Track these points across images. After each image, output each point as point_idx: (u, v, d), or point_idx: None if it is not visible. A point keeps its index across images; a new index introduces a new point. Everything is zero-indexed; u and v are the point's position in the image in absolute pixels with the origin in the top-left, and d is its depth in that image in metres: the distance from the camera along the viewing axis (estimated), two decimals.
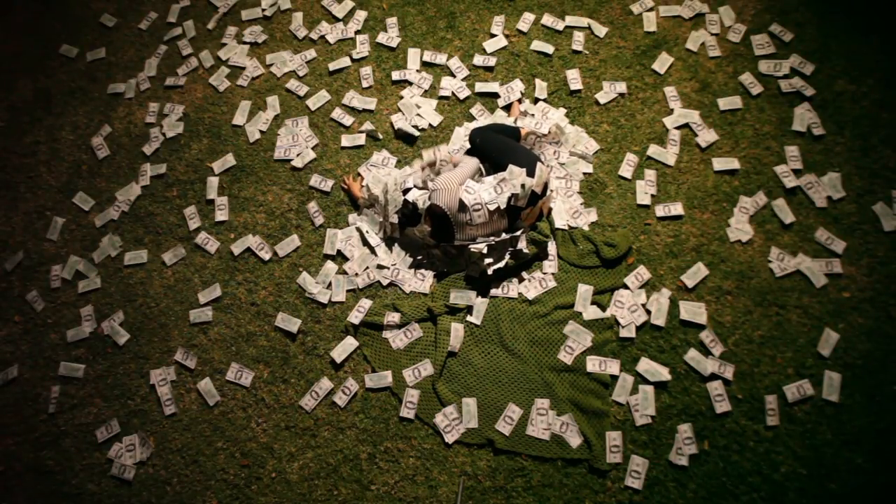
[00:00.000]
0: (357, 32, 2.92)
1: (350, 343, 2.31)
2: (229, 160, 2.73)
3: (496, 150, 2.29)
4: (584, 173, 2.49)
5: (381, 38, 2.87)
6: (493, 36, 2.81)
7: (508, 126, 2.42)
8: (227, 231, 2.61)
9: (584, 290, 2.28)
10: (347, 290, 2.42)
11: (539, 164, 2.19)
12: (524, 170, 2.16)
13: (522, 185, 2.15)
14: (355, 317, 2.33)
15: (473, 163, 2.30)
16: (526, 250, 2.27)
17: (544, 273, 2.34)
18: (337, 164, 2.65)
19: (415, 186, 2.34)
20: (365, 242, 2.47)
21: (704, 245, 2.32)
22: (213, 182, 2.69)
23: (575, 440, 2.09)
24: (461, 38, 2.83)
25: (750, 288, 2.24)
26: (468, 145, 2.44)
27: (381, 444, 2.19)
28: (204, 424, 2.31)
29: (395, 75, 2.78)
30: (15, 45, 3.25)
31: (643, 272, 2.29)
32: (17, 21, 3.34)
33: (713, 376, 2.12)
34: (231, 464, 2.24)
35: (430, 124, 2.66)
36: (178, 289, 2.54)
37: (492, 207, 2.15)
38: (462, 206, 2.16)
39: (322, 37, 2.95)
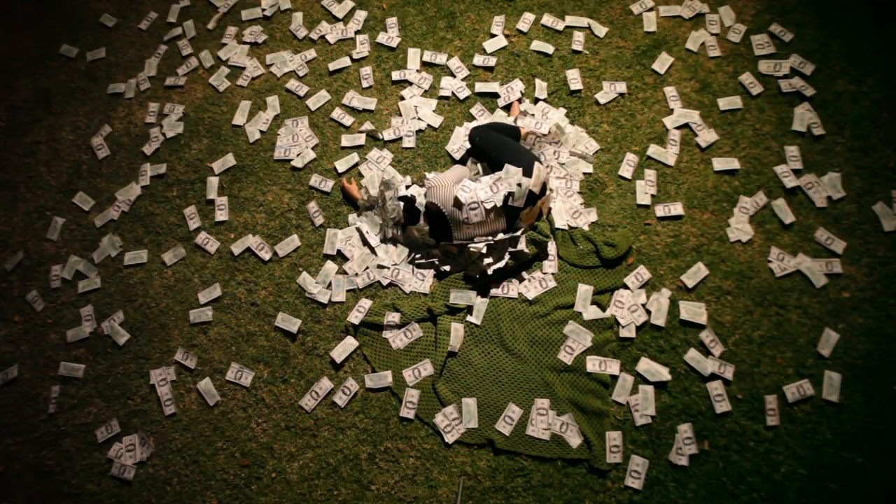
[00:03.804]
0: (357, 32, 2.92)
1: (350, 343, 2.31)
2: (229, 160, 2.73)
3: (495, 148, 2.29)
4: (584, 173, 2.49)
5: (381, 38, 2.87)
6: (493, 36, 2.81)
7: (508, 125, 2.42)
8: (227, 231, 2.61)
9: (584, 290, 2.28)
10: (347, 290, 2.42)
11: (537, 163, 2.19)
12: (520, 169, 2.16)
13: (518, 185, 2.15)
14: (355, 317, 2.33)
15: (463, 168, 2.34)
16: (526, 250, 2.27)
17: (544, 273, 2.34)
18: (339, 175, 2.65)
19: (414, 183, 2.35)
20: (365, 242, 2.47)
21: (704, 245, 2.32)
22: (213, 182, 2.69)
23: (575, 440, 2.09)
24: (461, 38, 2.84)
25: (750, 288, 2.24)
26: (468, 145, 2.44)
27: (381, 444, 2.19)
28: (204, 424, 2.31)
29: (395, 75, 2.78)
30: (15, 45, 3.25)
31: (643, 272, 2.29)
32: (17, 21, 3.34)
33: (713, 376, 2.12)
34: (231, 464, 2.24)
35: (429, 125, 2.66)
36: (178, 289, 2.54)
37: (488, 206, 2.15)
38: (457, 204, 2.16)
39: (322, 37, 2.95)
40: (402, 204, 2.32)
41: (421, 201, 2.28)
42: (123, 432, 2.33)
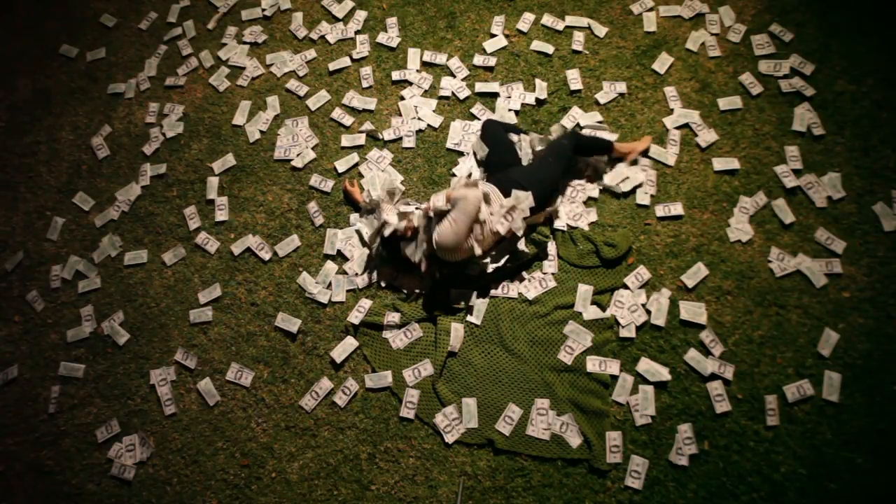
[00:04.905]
0: (357, 32, 2.92)
1: (350, 343, 2.31)
2: (229, 160, 2.73)
3: (497, 151, 2.33)
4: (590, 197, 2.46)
5: (381, 38, 2.87)
6: (493, 36, 2.81)
7: (515, 127, 2.46)
8: (227, 231, 2.61)
9: (584, 290, 2.27)
10: (347, 290, 2.42)
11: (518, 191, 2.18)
12: (529, 194, 2.15)
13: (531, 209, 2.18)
14: (355, 317, 2.33)
15: (474, 201, 2.04)
16: (526, 250, 2.27)
17: (544, 273, 2.34)
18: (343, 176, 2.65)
19: (400, 236, 2.23)
20: (365, 244, 2.47)
21: (704, 245, 2.32)
22: (213, 182, 2.69)
23: (575, 440, 2.09)
24: (461, 38, 2.83)
25: (750, 288, 2.24)
26: (467, 141, 2.44)
27: (381, 444, 2.19)
28: (204, 424, 2.31)
29: (395, 75, 2.78)
30: (15, 45, 3.25)
31: (643, 272, 2.29)
32: (17, 21, 3.34)
33: (713, 376, 2.12)
34: (231, 464, 2.24)
35: (429, 125, 2.66)
36: (178, 289, 2.54)
37: (519, 234, 2.20)
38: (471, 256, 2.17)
39: (322, 37, 2.95)
40: (382, 247, 2.33)
41: (420, 257, 2.18)
42: (123, 432, 2.33)
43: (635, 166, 2.44)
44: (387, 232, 2.24)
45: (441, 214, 2.10)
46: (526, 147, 2.39)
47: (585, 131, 2.48)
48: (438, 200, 2.09)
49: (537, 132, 2.50)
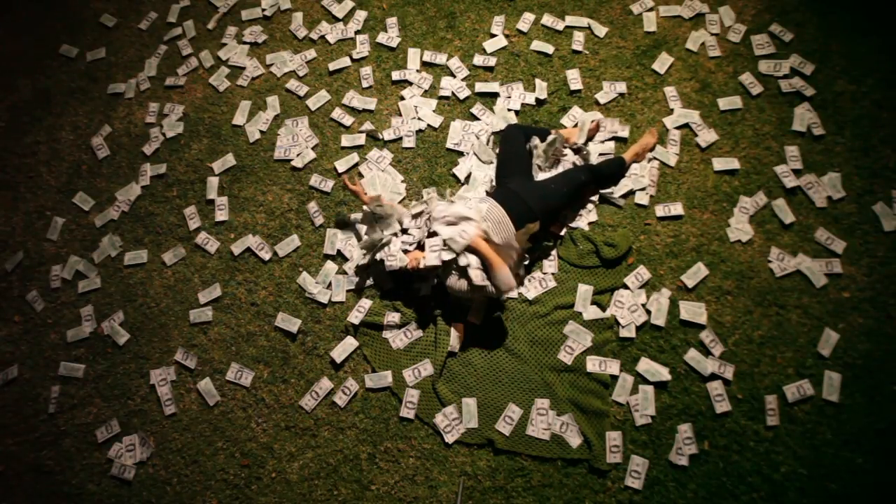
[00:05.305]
0: (357, 32, 2.92)
1: (350, 343, 2.31)
2: (229, 160, 2.73)
3: (507, 159, 2.31)
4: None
5: (381, 38, 2.87)
6: (493, 36, 2.81)
7: (539, 129, 2.43)
8: (227, 231, 2.61)
9: (584, 290, 2.27)
10: (347, 290, 2.42)
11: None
12: (537, 224, 2.13)
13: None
14: (355, 317, 2.33)
15: (510, 290, 2.06)
16: (528, 256, 2.27)
17: (544, 273, 2.34)
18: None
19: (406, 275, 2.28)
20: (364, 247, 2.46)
21: (704, 245, 2.32)
22: (213, 182, 2.69)
23: (575, 440, 2.09)
24: (461, 38, 2.83)
25: (750, 288, 2.24)
26: (466, 141, 2.41)
27: (381, 444, 2.19)
28: (204, 424, 2.31)
29: (395, 75, 2.78)
30: (15, 45, 3.25)
31: (643, 272, 2.29)
32: (17, 21, 3.34)
33: (713, 376, 2.12)
34: (231, 464, 2.24)
35: (429, 125, 2.66)
36: (178, 289, 2.54)
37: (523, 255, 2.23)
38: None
39: (322, 37, 2.95)
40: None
41: (427, 291, 2.30)
42: (123, 432, 2.33)
43: (649, 163, 2.45)
44: (388, 265, 2.20)
45: (463, 270, 2.07)
46: (537, 157, 2.36)
47: (597, 143, 2.46)
48: (478, 278, 2.03)
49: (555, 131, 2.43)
